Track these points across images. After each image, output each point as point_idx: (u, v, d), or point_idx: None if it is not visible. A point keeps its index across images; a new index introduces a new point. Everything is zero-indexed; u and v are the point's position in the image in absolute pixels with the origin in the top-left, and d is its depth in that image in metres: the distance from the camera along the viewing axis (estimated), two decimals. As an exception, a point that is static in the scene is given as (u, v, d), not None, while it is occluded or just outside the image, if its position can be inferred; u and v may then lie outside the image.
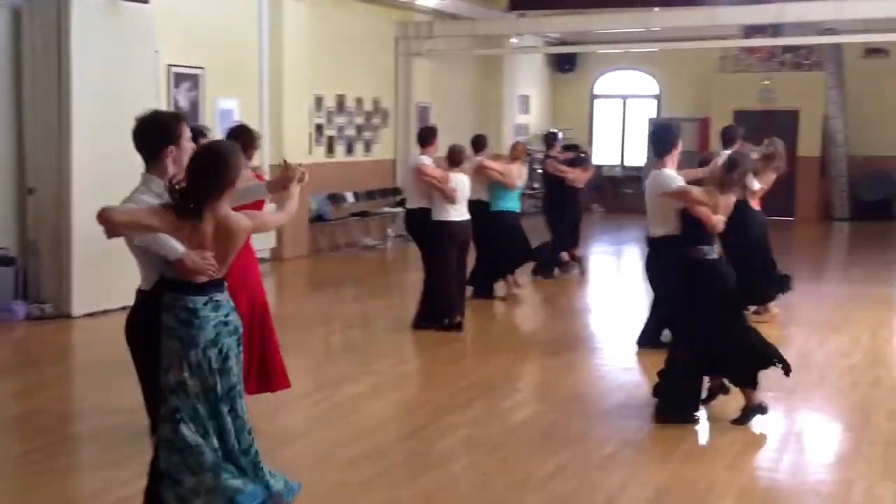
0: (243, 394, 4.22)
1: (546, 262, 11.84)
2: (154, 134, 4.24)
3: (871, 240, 16.76)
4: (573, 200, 12.12)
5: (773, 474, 5.36)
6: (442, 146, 16.01)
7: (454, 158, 9.19)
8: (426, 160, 9.15)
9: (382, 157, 16.33)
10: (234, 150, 4.15)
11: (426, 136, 9.51)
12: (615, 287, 12.47)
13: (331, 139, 14.97)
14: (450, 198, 8.87)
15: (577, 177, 11.87)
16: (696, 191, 6.21)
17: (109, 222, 3.97)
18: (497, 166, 10.46)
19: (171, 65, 11.57)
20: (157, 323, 4.03)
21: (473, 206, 9.36)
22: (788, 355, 8.04)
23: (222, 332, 4.04)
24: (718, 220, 6.08)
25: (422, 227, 9.15)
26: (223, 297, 4.10)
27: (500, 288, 10.60)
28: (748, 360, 6.14)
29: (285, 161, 5.03)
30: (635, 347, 8.28)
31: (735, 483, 5.17)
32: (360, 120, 15.63)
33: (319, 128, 14.68)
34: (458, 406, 6.61)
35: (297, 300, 11.53)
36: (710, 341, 6.08)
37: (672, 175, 6.43)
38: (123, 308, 9.53)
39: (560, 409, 6.58)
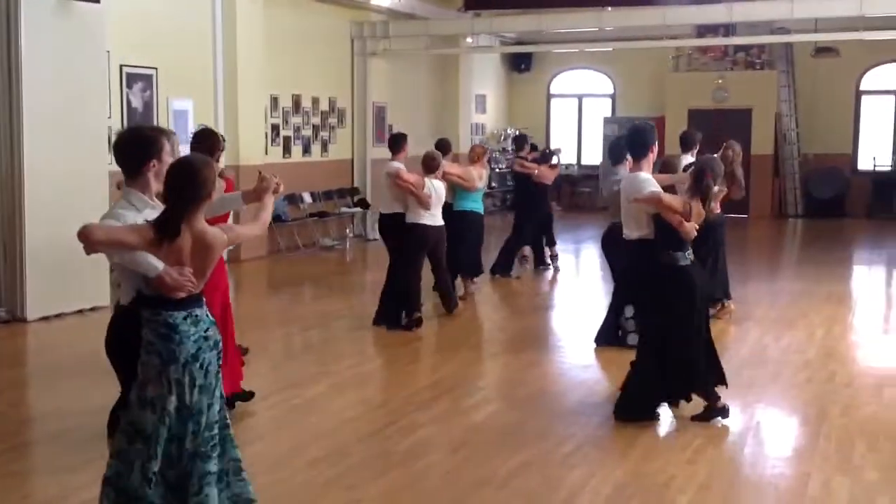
0: (225, 409, 4.21)
1: (506, 260, 11.94)
2: (136, 148, 4.27)
3: (824, 236, 17.01)
4: (542, 197, 12.30)
5: (731, 468, 5.42)
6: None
7: (429, 165, 9.31)
8: (401, 166, 9.23)
9: (340, 157, 16.27)
10: (208, 164, 4.09)
11: (398, 143, 9.58)
12: (575, 285, 12.53)
13: (287, 139, 14.89)
14: (425, 204, 9.03)
15: (542, 173, 12.01)
16: (668, 197, 6.17)
17: (88, 240, 3.96)
18: (456, 171, 10.47)
19: (123, 65, 11.44)
20: (136, 336, 4.03)
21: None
22: (744, 351, 8.21)
23: (203, 347, 4.01)
24: (691, 228, 6.04)
25: (396, 231, 9.20)
26: (202, 311, 4.07)
27: (458, 286, 10.60)
28: (702, 373, 6.20)
29: (260, 172, 4.92)
30: (593, 345, 8.34)
31: (694, 478, 5.22)
32: (316, 120, 15.56)
33: (275, 128, 14.60)
34: (419, 405, 6.61)
35: (256, 301, 11.44)
36: (675, 347, 6.14)
37: (647, 178, 6.36)
38: (79, 311, 9.49)
39: (521, 407, 6.60)
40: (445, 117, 19.12)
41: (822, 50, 17.91)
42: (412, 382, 7.39)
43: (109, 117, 10.70)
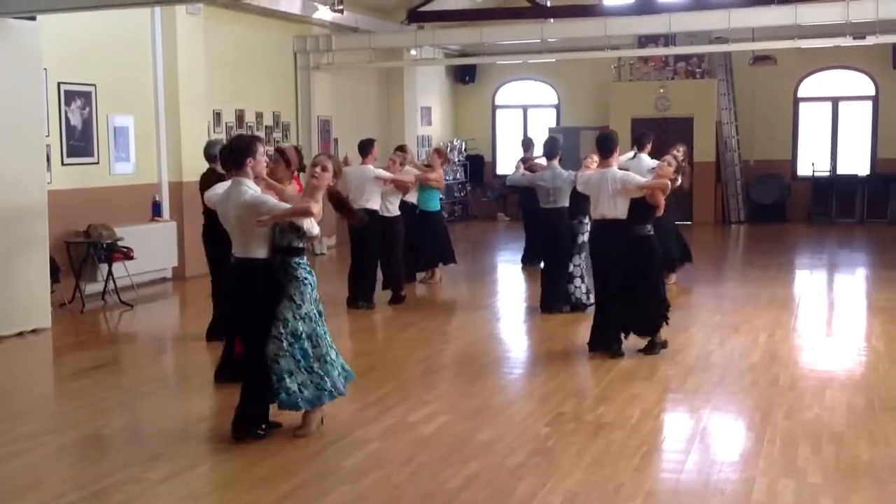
0: None
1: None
2: (240, 150, 6.10)
3: (767, 241, 17.28)
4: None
5: (678, 475, 5.46)
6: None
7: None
8: (381, 172, 10.87)
9: (284, 171, 16.14)
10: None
11: (366, 148, 11.03)
12: (524, 294, 12.57)
13: (231, 155, 14.75)
14: (405, 188, 11.05)
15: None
16: (662, 184, 8.18)
17: (313, 211, 5.98)
18: (434, 175, 12.13)
19: (61, 82, 11.27)
20: (273, 278, 6.01)
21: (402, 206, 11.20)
22: (690, 357, 8.29)
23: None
24: (662, 205, 8.15)
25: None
26: None
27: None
28: (658, 313, 8.28)
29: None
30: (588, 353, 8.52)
31: (642, 485, 5.25)
32: (260, 135, 15.45)
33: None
34: (366, 420, 6.58)
35: (201, 319, 11.28)
36: (640, 295, 8.17)
37: (628, 172, 8.51)
38: (19, 334, 9.30)
39: (469, 418, 6.59)
40: (391, 130, 19.10)
41: (760, 58, 18.20)
42: (360, 397, 7.33)
43: (47, 135, 10.53)
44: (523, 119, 22.51)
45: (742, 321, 9.85)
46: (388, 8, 18.06)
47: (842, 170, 20.16)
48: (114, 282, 11.30)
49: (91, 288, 11.38)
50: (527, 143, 13.91)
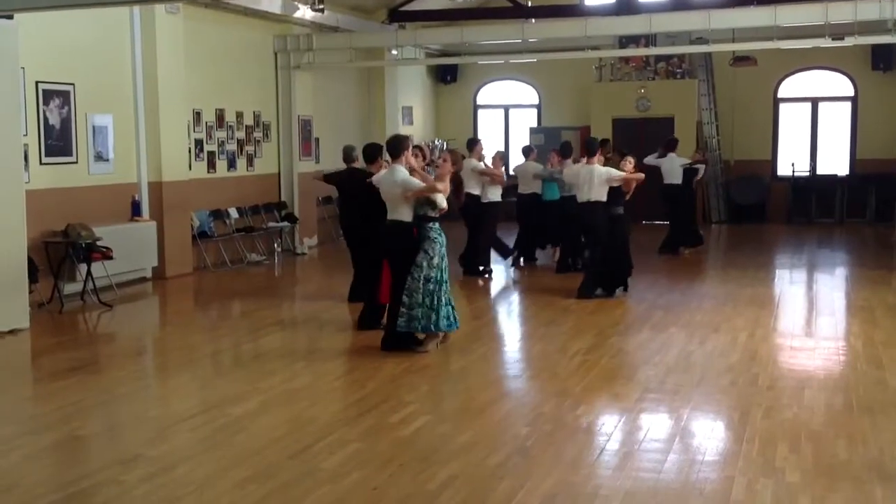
0: None
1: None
2: (398, 144, 8.59)
3: (747, 241, 17.36)
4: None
5: (657, 475, 5.46)
6: (326, 158, 16.03)
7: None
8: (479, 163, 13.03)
9: (266, 171, 16.13)
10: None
11: (474, 145, 13.33)
12: (506, 293, 12.59)
13: (211, 154, 14.71)
14: (501, 180, 13.34)
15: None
16: (638, 177, 11.28)
17: (439, 189, 8.36)
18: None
19: (39, 81, 11.19)
20: (415, 239, 8.33)
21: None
22: (670, 357, 8.33)
23: None
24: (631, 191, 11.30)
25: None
26: None
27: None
28: (627, 267, 11.45)
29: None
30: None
31: (621, 486, 5.26)
32: (241, 134, 15.40)
33: (199, 143, 14.42)
34: (347, 421, 6.57)
35: (182, 319, 11.27)
36: (615, 257, 11.27)
37: (609, 168, 11.35)
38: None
39: (449, 419, 6.59)
40: (372, 129, 19.07)
41: (740, 59, 18.29)
42: (341, 398, 7.34)
43: (25, 134, 10.46)
44: (505, 119, 22.53)
45: (722, 321, 9.89)
46: (368, 7, 18.04)
47: (821, 170, 20.30)
48: (93, 282, 11.23)
49: (70, 288, 11.32)
50: (527, 151, 14.87)
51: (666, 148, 15.38)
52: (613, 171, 11.16)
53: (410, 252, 8.32)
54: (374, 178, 8.98)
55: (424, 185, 8.41)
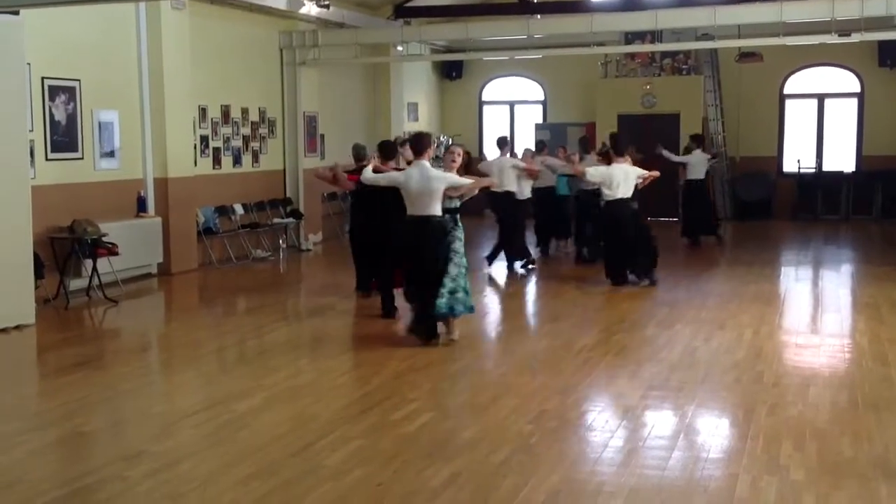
0: None
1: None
2: (424, 142, 8.80)
3: (753, 238, 17.32)
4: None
5: (661, 472, 5.45)
6: (332, 154, 16.05)
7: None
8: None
9: (271, 167, 16.13)
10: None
11: (505, 143, 13.74)
12: (509, 290, 12.58)
13: (217, 150, 14.72)
14: (535, 175, 13.64)
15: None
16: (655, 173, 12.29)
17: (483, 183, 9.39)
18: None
19: (45, 77, 11.20)
20: (447, 230, 8.64)
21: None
22: (675, 353, 8.32)
23: None
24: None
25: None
26: None
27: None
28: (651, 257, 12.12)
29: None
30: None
31: (625, 483, 5.25)
32: (246, 130, 15.41)
33: (204, 139, 14.42)
34: (350, 417, 6.57)
35: (187, 315, 11.28)
36: (643, 247, 12.11)
37: (639, 168, 12.15)
38: (2, 331, 9.26)
39: (453, 416, 6.59)
40: (378, 125, 19.08)
41: (746, 55, 18.24)
42: (344, 395, 7.34)
43: (31, 130, 10.48)
44: (510, 115, 22.51)
45: (727, 317, 9.88)
46: (374, 4, 18.03)
47: (827, 167, 20.24)
48: (98, 278, 11.25)
49: (75, 284, 11.34)
50: (540, 146, 15.49)
51: (697, 143, 16.46)
52: (640, 171, 12.01)
53: (447, 243, 8.61)
54: (392, 176, 8.96)
55: (472, 181, 8.92)
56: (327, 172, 11.48)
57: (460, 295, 8.64)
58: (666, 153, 16.36)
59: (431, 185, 8.49)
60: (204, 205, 14.10)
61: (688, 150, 16.58)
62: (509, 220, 13.43)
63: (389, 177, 8.95)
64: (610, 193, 11.85)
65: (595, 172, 12.13)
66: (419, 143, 8.77)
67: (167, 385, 7.97)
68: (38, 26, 10.65)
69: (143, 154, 12.99)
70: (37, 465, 5.74)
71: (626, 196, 11.85)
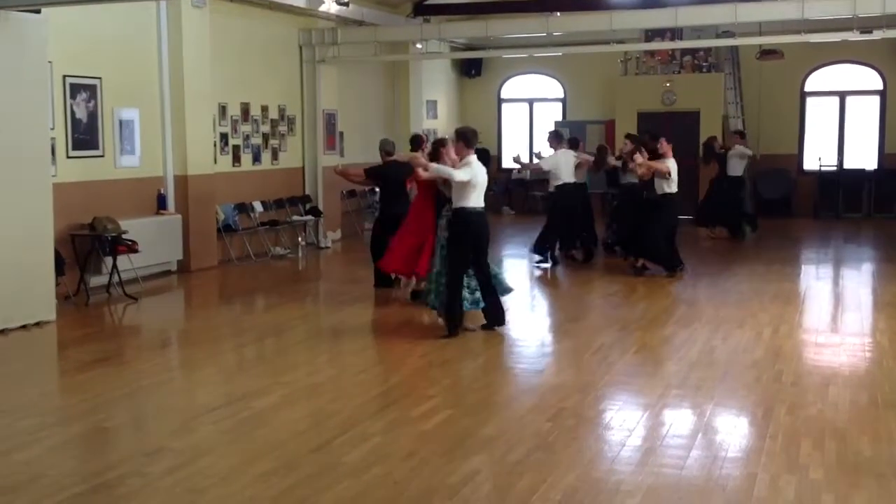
0: None
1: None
2: (475, 136, 9.12)
3: (772, 236, 17.23)
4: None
5: (679, 471, 5.44)
6: (351, 152, 16.11)
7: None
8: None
9: (290, 165, 16.18)
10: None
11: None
12: (529, 289, 12.57)
13: (236, 148, 14.77)
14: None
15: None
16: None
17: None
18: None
19: (66, 75, 11.28)
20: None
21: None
22: (693, 352, 8.29)
23: None
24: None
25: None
26: None
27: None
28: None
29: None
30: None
31: (642, 482, 5.25)
32: (265, 128, 15.46)
33: (224, 137, 14.48)
34: (369, 415, 6.58)
35: (207, 312, 11.34)
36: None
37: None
38: (23, 327, 9.31)
39: (471, 413, 6.59)
40: (396, 123, 19.11)
41: (767, 52, 18.13)
42: (363, 392, 7.36)
43: (52, 128, 10.55)
44: (529, 113, 22.49)
45: (747, 316, 9.83)
46: (393, 1, 18.04)
47: (849, 164, 20.11)
48: (118, 275, 11.32)
49: (95, 281, 11.41)
50: (575, 142, 15.11)
51: (740, 138, 17.09)
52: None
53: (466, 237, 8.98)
54: (471, 171, 8.89)
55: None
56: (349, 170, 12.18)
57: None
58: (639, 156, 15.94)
59: (484, 177, 8.96)
60: (223, 202, 14.15)
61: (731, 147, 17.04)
62: (573, 211, 13.76)
63: (471, 172, 8.93)
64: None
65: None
66: (472, 137, 9.05)
67: (187, 381, 8.02)
68: (60, 24, 10.72)
69: (163, 152, 13.06)
70: (58, 461, 5.78)
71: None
